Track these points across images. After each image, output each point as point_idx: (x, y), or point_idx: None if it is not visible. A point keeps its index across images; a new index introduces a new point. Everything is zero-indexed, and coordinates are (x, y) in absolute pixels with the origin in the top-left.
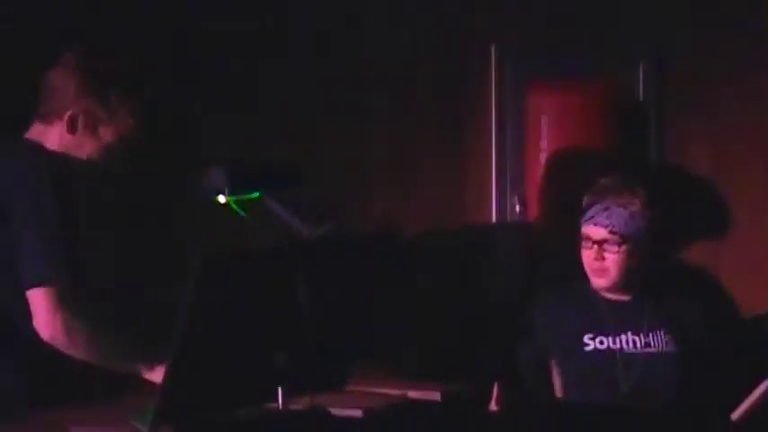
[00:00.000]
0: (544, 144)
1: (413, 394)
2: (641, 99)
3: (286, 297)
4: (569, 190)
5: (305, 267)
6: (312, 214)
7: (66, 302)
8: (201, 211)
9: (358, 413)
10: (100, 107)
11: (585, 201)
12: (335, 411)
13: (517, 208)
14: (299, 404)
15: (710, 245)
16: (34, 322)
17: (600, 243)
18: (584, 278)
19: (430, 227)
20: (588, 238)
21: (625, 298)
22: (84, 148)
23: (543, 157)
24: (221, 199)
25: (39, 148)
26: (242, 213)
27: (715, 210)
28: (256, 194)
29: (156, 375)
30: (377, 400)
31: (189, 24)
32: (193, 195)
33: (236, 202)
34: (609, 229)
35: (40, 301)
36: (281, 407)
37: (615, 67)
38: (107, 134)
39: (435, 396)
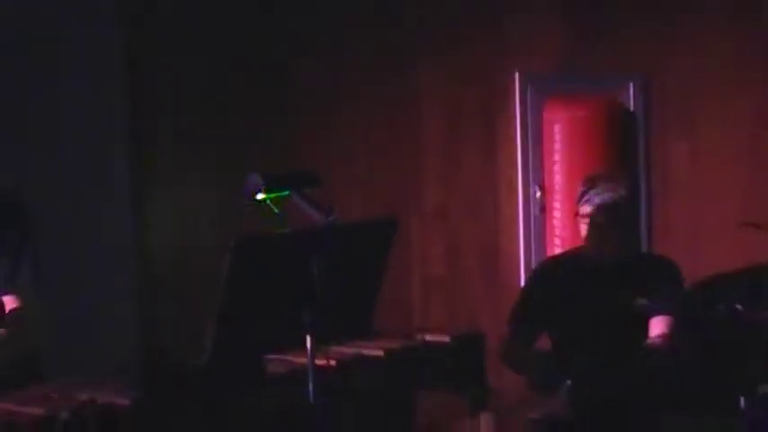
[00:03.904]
0: (557, 146)
1: (428, 338)
2: (632, 111)
3: (303, 268)
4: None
5: (317, 246)
6: (325, 207)
7: None
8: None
9: (380, 353)
10: None
11: (581, 188)
12: (362, 351)
13: (537, 194)
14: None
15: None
16: None
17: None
18: (578, 251)
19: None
20: (585, 215)
21: (612, 264)
22: None
23: (557, 156)
24: (259, 196)
25: None
26: (275, 209)
27: (690, 201)
28: (286, 192)
29: None
30: (398, 343)
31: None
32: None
33: (270, 199)
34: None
35: None
36: (310, 352)
37: (612, 86)
38: None
39: (446, 339)
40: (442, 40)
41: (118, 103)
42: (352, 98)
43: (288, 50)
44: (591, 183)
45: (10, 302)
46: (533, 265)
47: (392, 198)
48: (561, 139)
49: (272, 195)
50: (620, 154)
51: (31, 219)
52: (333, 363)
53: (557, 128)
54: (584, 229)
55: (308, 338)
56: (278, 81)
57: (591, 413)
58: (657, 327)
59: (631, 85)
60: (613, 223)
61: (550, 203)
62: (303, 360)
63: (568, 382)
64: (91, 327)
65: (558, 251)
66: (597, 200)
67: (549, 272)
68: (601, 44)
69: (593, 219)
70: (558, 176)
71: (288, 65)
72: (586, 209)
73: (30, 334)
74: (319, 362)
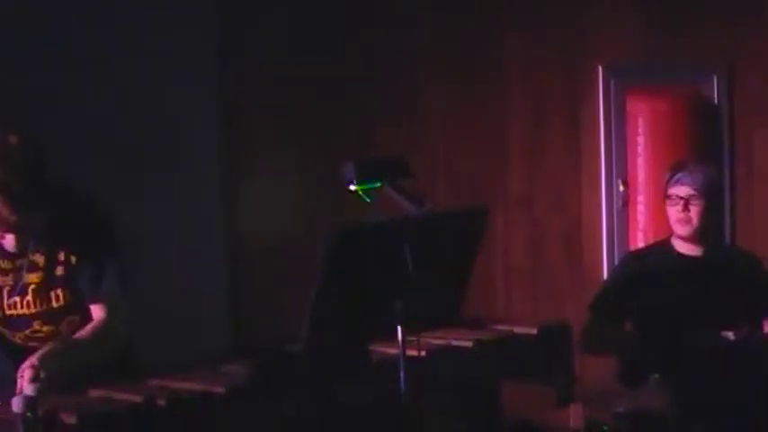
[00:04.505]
0: (641, 139)
1: (516, 330)
2: (715, 103)
3: (396, 258)
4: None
5: (410, 236)
6: (417, 197)
7: None
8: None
9: (469, 343)
10: None
11: (670, 171)
12: (452, 342)
13: (621, 188)
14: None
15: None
16: None
17: (686, 199)
18: (664, 244)
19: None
20: (676, 196)
21: (698, 253)
22: None
23: (640, 149)
24: (352, 187)
25: None
26: (366, 199)
27: None
28: (378, 184)
29: None
30: (487, 334)
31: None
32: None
33: (362, 190)
34: (693, 186)
35: None
36: (401, 342)
37: (695, 78)
38: None
39: (533, 331)
40: (526, 32)
41: (208, 90)
42: (437, 87)
43: (372, 37)
44: (679, 166)
45: (97, 312)
46: (616, 259)
47: (476, 186)
48: (644, 132)
49: (364, 187)
50: (703, 147)
51: (115, 216)
52: (422, 353)
53: (640, 121)
54: (672, 212)
55: (400, 329)
56: (362, 68)
57: (686, 411)
58: None
59: (715, 76)
60: (703, 203)
61: (633, 197)
62: (391, 350)
63: (656, 375)
64: (184, 317)
65: (641, 245)
66: (688, 179)
67: (635, 265)
68: (684, 36)
69: (684, 198)
70: (641, 170)
71: (372, 52)
72: (676, 189)
73: (118, 337)
74: (409, 352)
